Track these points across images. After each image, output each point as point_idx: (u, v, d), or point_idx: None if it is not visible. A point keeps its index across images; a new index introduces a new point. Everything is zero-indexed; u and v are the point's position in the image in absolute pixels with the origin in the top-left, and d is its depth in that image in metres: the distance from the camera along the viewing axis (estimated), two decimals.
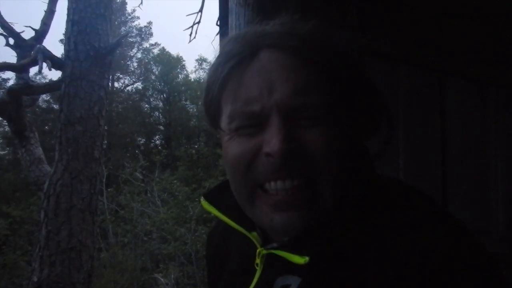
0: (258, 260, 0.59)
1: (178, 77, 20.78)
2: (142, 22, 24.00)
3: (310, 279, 0.53)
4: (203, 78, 21.06)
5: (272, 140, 0.51)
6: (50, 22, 6.55)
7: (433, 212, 0.55)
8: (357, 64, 0.60)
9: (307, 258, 0.51)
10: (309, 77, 0.53)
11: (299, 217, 0.53)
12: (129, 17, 21.11)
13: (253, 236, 0.60)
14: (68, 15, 5.39)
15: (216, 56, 0.61)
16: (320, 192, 0.53)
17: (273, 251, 0.56)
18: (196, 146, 15.06)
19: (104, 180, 9.39)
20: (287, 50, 0.54)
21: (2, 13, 6.37)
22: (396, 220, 0.52)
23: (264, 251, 0.58)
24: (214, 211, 0.64)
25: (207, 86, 0.60)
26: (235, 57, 0.55)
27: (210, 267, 0.76)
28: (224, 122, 0.57)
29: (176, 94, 20.19)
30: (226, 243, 0.71)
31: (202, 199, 0.66)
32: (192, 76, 21.43)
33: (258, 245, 0.59)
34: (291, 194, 0.53)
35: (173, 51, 28.91)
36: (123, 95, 20.80)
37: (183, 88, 20.31)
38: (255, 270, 0.59)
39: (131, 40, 20.82)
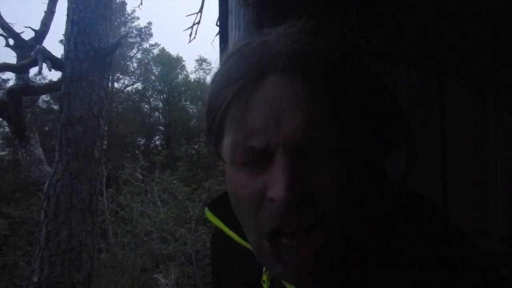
0: (265, 277, 0.55)
1: (178, 77, 20.79)
2: (142, 23, 24.06)
3: None
4: (203, 78, 21.08)
5: (276, 185, 0.45)
6: (50, 23, 6.56)
7: (441, 235, 0.52)
8: (379, 82, 0.52)
9: None
10: (324, 107, 0.45)
11: (306, 273, 0.47)
12: (129, 17, 21.13)
13: None
14: (68, 15, 5.39)
15: (217, 71, 0.54)
16: (329, 239, 0.47)
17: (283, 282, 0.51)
18: (196, 147, 15.06)
19: (104, 180, 9.39)
20: (298, 76, 0.46)
21: (2, 14, 6.38)
22: (407, 249, 0.48)
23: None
24: (220, 224, 0.61)
25: (209, 108, 0.53)
26: (240, 81, 0.48)
27: (215, 268, 0.73)
28: (226, 150, 0.51)
29: (176, 94, 20.20)
30: (230, 247, 0.65)
31: (206, 209, 0.63)
32: (192, 77, 21.46)
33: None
34: (300, 250, 0.47)
35: (173, 51, 28.94)
36: (123, 95, 20.81)
37: (183, 88, 20.31)
38: (261, 286, 0.56)
39: (131, 40, 20.83)
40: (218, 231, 0.70)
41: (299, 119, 0.45)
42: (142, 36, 21.50)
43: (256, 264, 0.53)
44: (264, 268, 0.55)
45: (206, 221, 10.56)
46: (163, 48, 21.37)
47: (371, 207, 0.50)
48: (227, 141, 0.51)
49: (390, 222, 0.50)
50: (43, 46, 5.86)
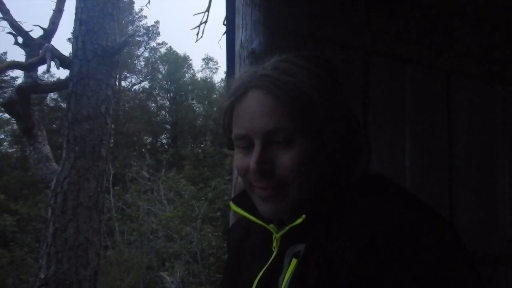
0: (275, 244, 0.78)
1: (185, 76, 20.84)
2: (149, 21, 24.05)
3: (312, 243, 0.71)
4: (209, 77, 21.10)
5: (251, 161, 0.72)
6: (58, 21, 6.61)
7: (400, 196, 0.70)
8: (330, 98, 0.74)
9: (303, 216, 0.71)
10: (279, 112, 0.71)
11: (275, 207, 0.74)
12: (137, 16, 21.20)
13: (271, 227, 0.79)
14: (76, 14, 5.43)
15: (226, 88, 0.82)
16: (288, 192, 0.73)
17: (283, 231, 0.76)
18: (202, 145, 15.11)
19: (110, 178, 9.44)
20: (264, 91, 0.72)
21: (11, 12, 6.43)
22: (368, 201, 0.69)
23: (278, 235, 0.77)
24: (240, 211, 0.84)
25: (221, 113, 0.81)
26: (234, 95, 0.75)
27: (231, 253, 0.94)
28: (233, 139, 0.78)
29: (182, 93, 20.25)
30: (247, 231, 0.90)
31: (231, 203, 0.88)
32: (199, 76, 21.51)
33: (274, 232, 0.78)
34: (266, 193, 0.74)
35: (180, 50, 28.96)
36: (130, 94, 20.90)
37: (189, 87, 20.36)
38: (272, 252, 0.78)
39: (138, 39, 20.90)
40: (235, 225, 1.00)
41: (265, 118, 0.71)
42: (150, 35, 21.57)
43: (268, 236, 0.79)
44: (273, 236, 0.78)
45: (211, 220, 10.60)
46: (170, 47, 21.46)
47: (326, 184, 0.74)
48: (233, 135, 0.77)
49: (346, 195, 0.72)
50: (52, 45, 5.91)
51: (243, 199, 0.84)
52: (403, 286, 0.59)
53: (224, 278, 0.92)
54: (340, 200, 0.72)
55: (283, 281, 0.72)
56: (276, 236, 0.78)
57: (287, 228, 0.75)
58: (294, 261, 0.72)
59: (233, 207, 0.86)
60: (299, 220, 0.71)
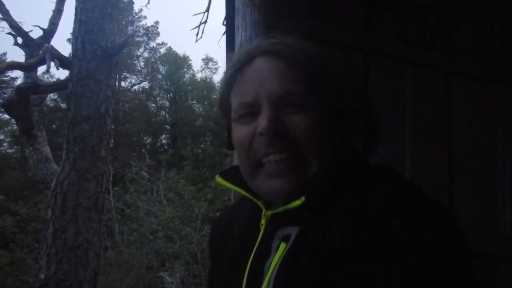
0: (263, 221, 0.71)
1: (185, 76, 20.84)
2: (149, 22, 24.05)
3: (306, 226, 0.66)
4: (209, 78, 21.10)
5: (262, 121, 0.66)
6: (58, 22, 6.60)
7: (401, 187, 0.65)
8: (335, 67, 0.72)
9: (303, 198, 0.64)
10: (292, 75, 0.67)
11: (288, 183, 0.66)
12: (136, 16, 21.19)
13: (260, 203, 0.72)
14: (75, 14, 5.43)
15: (228, 62, 0.77)
16: (305, 163, 0.66)
17: (275, 210, 0.70)
18: (202, 146, 15.09)
19: (110, 178, 9.43)
20: (275, 56, 0.69)
21: (10, 13, 6.43)
22: (367, 190, 0.64)
23: (269, 212, 0.71)
24: (227, 184, 0.77)
25: (220, 87, 0.75)
26: (238, 63, 0.71)
27: (212, 250, 0.87)
28: (232, 114, 0.72)
29: (182, 93, 20.24)
30: (230, 226, 0.83)
31: (217, 176, 0.79)
32: (199, 76, 21.50)
33: (264, 209, 0.72)
34: (280, 164, 0.66)
35: (180, 50, 28.96)
36: (129, 94, 20.89)
37: (189, 87, 20.35)
38: (260, 230, 0.71)
39: (138, 39, 20.89)
40: (219, 217, 0.93)
41: (276, 82, 0.67)
42: (149, 35, 21.56)
43: (256, 214, 0.72)
44: (263, 213, 0.72)
45: (211, 220, 10.59)
46: (170, 47, 21.46)
47: (336, 157, 0.68)
48: (233, 107, 0.71)
49: (351, 178, 0.67)
50: (51, 45, 5.91)
51: (231, 173, 0.78)
52: (393, 278, 0.56)
53: (211, 280, 0.83)
54: (342, 186, 0.67)
55: (270, 266, 0.66)
56: (267, 213, 0.71)
57: (281, 208, 0.68)
58: (282, 245, 0.66)
59: (219, 180, 0.78)
60: (297, 202, 0.64)
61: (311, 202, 0.65)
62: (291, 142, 0.66)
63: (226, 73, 0.74)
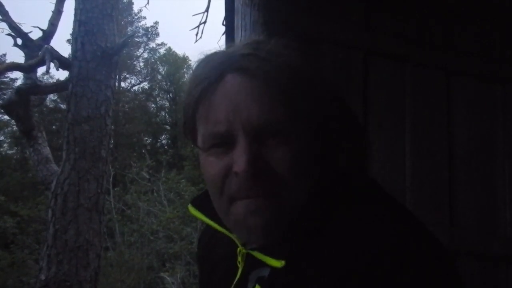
0: (239, 259, 0.64)
1: (184, 76, 20.81)
2: (148, 22, 24.04)
3: (282, 267, 0.58)
4: None
5: (239, 160, 0.56)
6: (58, 23, 6.60)
7: (387, 214, 0.58)
8: (316, 75, 0.63)
9: (283, 262, 0.56)
10: (269, 97, 0.57)
11: (265, 221, 0.58)
12: (136, 17, 21.19)
13: (234, 236, 0.64)
14: (75, 15, 5.43)
15: (191, 74, 0.65)
16: (281, 200, 0.58)
17: (251, 252, 0.62)
18: None
19: (110, 179, 9.43)
20: (247, 74, 0.57)
21: (10, 13, 6.43)
22: (353, 219, 0.56)
23: (244, 250, 0.63)
24: (200, 216, 0.69)
25: (184, 108, 0.64)
26: (204, 82, 0.59)
27: (201, 266, 0.81)
28: (199, 141, 0.62)
29: (182, 93, 20.22)
30: (214, 244, 0.75)
31: (189, 205, 0.71)
32: None
33: (239, 244, 0.64)
34: (258, 202, 0.57)
35: (179, 51, 28.93)
36: (129, 95, 20.89)
37: None
38: (237, 268, 0.64)
39: (138, 40, 20.89)
40: (204, 232, 0.82)
41: (253, 108, 0.56)
42: (149, 35, 21.56)
43: (233, 249, 0.64)
44: (238, 250, 0.64)
45: None
46: (169, 47, 21.44)
47: (319, 186, 0.60)
48: (199, 134, 0.62)
49: (338, 203, 0.59)
50: (51, 46, 5.91)
51: (204, 202, 0.68)
52: None
53: None
54: (325, 214, 0.58)
55: None
56: (242, 250, 0.63)
57: (258, 254, 0.60)
58: None
59: (192, 211, 0.70)
60: (276, 263, 0.57)
61: (288, 237, 0.58)
62: (273, 181, 0.57)
63: (189, 94, 0.62)
